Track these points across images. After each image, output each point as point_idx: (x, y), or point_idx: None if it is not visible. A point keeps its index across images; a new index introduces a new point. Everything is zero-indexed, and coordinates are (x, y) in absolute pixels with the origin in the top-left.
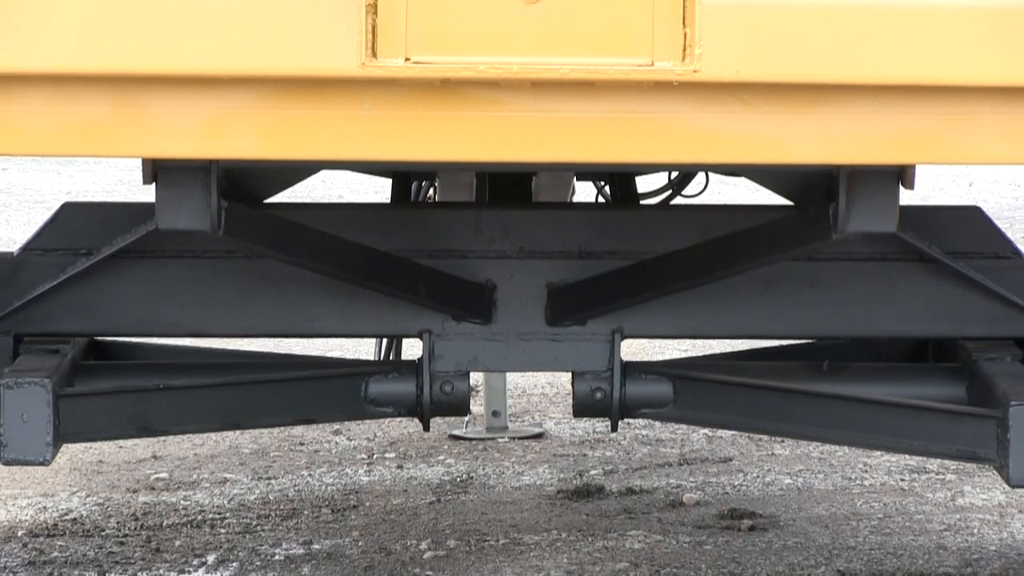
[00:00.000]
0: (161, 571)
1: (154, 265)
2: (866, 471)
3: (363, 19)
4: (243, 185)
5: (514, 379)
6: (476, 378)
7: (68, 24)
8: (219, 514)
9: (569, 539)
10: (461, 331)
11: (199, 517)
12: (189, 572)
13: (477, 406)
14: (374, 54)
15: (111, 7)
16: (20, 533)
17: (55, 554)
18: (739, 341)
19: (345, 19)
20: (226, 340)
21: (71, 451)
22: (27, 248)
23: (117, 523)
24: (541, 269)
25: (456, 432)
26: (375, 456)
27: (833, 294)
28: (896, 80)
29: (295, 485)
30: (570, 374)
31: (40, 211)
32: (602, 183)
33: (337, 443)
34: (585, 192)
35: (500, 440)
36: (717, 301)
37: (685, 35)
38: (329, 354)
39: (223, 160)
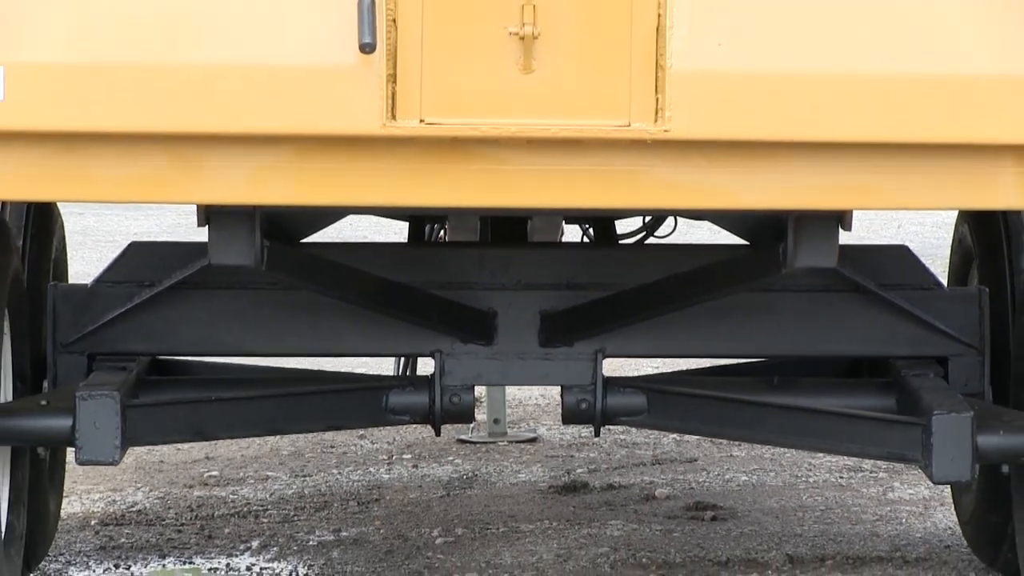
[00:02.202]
0: (213, 555)
1: (207, 295)
2: (810, 470)
3: (384, 87)
4: (282, 227)
5: (512, 392)
6: (480, 391)
7: (134, 91)
8: (262, 506)
9: (559, 527)
10: (467, 351)
11: (245, 509)
12: (236, 556)
13: (481, 415)
14: (393, 116)
15: (169, 77)
16: (93, 522)
17: (122, 540)
18: (703, 360)
19: (369, 87)
20: (268, 358)
21: (136, 453)
22: (99, 281)
23: (175, 514)
24: (535, 299)
25: (463, 437)
26: (394, 457)
27: (783, 320)
28: (835, 138)
29: (326, 482)
30: (560, 387)
31: (110, 249)
32: (587, 225)
33: (362, 446)
34: (572, 233)
35: (500, 444)
36: (685, 326)
37: (657, 100)
38: (355, 370)
39: (265, 206)
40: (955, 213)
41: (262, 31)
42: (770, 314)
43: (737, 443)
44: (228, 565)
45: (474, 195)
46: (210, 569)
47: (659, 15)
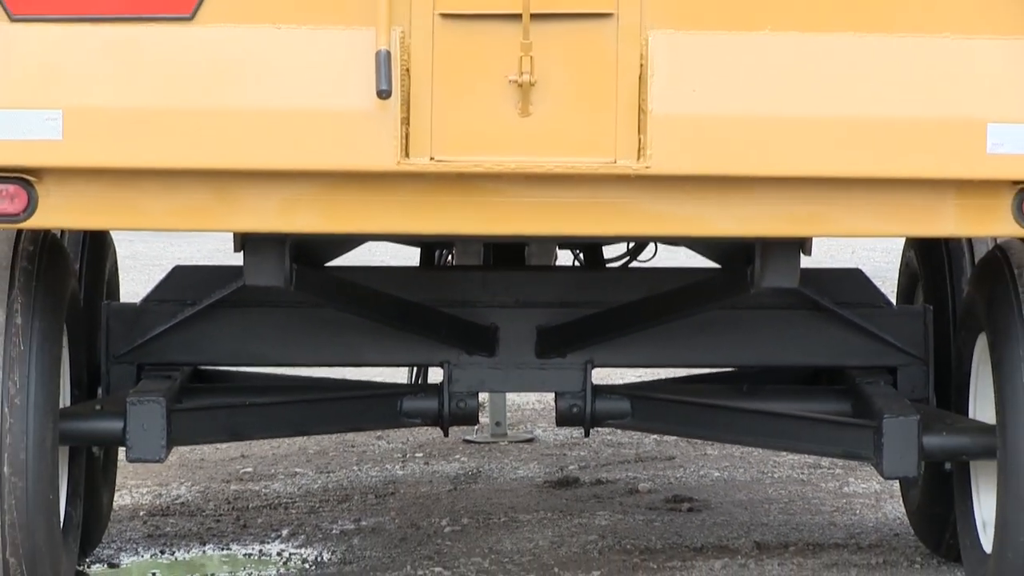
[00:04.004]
0: (247, 542)
1: (243, 312)
2: (775, 466)
3: (399, 128)
4: (309, 252)
5: (512, 397)
6: (483, 396)
7: (179, 132)
8: (291, 499)
9: (553, 518)
10: (472, 362)
11: (276, 501)
12: (268, 543)
13: (484, 418)
14: (407, 154)
15: (210, 119)
16: (141, 513)
17: (167, 529)
18: (681, 369)
19: (385, 128)
20: (296, 368)
21: (180, 452)
22: (147, 299)
23: (214, 506)
24: (532, 315)
25: (468, 437)
26: (408, 455)
27: (751, 334)
28: (798, 173)
29: (348, 477)
30: (554, 394)
31: (157, 272)
32: (577, 251)
33: (379, 445)
34: (565, 258)
35: (501, 443)
36: (664, 339)
37: (640, 140)
38: (373, 379)
39: (294, 233)
40: (903, 240)
41: (291, 79)
42: (739, 329)
43: (710, 443)
44: (261, 551)
45: (478, 224)
46: (245, 555)
47: (641, 65)
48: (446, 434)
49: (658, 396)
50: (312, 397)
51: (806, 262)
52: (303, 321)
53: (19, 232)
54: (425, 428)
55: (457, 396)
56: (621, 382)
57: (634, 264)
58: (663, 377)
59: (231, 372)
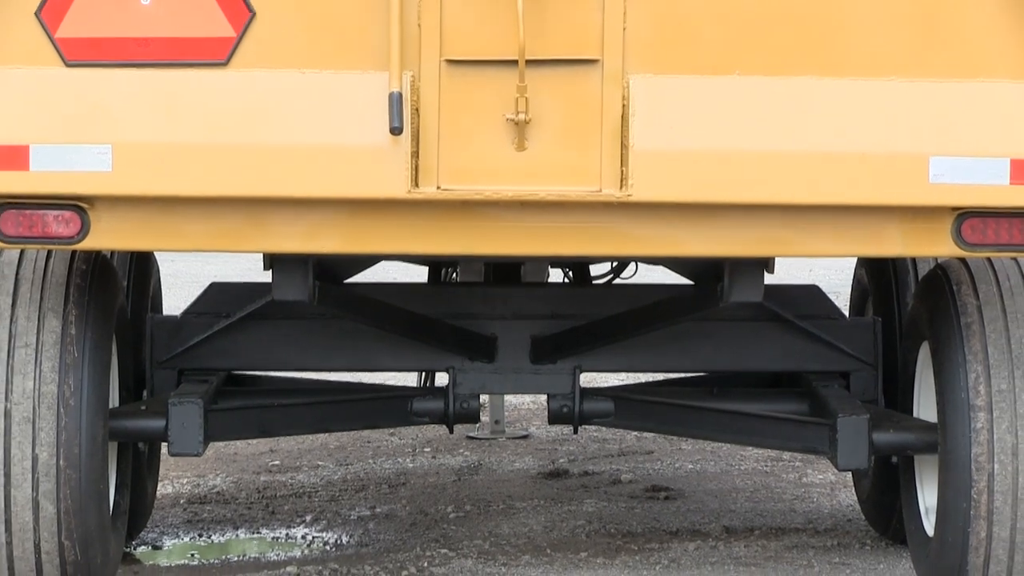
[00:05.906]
0: (275, 527)
1: (271, 324)
2: (742, 460)
3: (409, 161)
4: (330, 270)
5: (509, 398)
6: (484, 398)
7: (215, 165)
8: (314, 489)
9: (545, 505)
10: (474, 367)
11: (300, 490)
12: (294, 527)
13: (484, 417)
14: (416, 184)
15: (243, 153)
16: (182, 501)
17: (205, 516)
18: (659, 373)
19: (397, 161)
20: (318, 373)
21: (215, 447)
22: (187, 312)
23: (246, 495)
24: (527, 326)
25: (471, 434)
26: (417, 450)
27: (720, 342)
28: (762, 201)
29: (364, 469)
30: (546, 395)
31: (195, 288)
32: (567, 269)
33: (392, 441)
34: (556, 275)
35: (500, 440)
36: (644, 347)
37: (622, 171)
38: (386, 382)
39: (317, 254)
40: (855, 259)
41: (314, 117)
42: (710, 338)
43: (685, 439)
44: (287, 535)
45: (479, 245)
46: (273, 538)
47: (623, 106)
48: (451, 431)
49: (639, 397)
50: (332, 398)
51: (769, 279)
52: (325, 331)
53: (73, 253)
54: (432, 426)
55: (461, 397)
56: (606, 385)
57: (617, 281)
58: (643, 381)
59: (261, 376)
